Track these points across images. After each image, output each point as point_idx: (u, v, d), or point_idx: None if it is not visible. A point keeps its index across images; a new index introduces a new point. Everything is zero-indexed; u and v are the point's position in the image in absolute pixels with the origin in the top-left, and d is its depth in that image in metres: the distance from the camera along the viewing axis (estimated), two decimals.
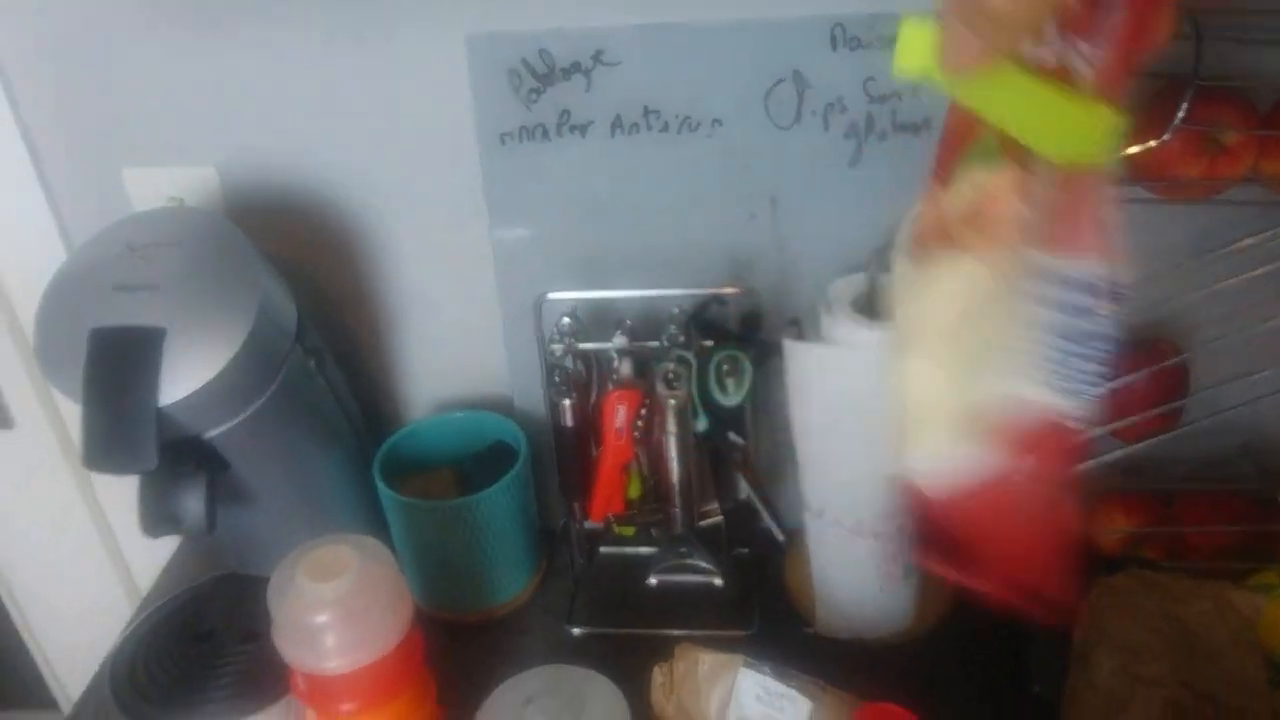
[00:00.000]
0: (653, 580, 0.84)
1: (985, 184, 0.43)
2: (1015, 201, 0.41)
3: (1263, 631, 0.72)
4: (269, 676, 0.73)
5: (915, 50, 0.41)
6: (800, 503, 0.80)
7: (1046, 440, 0.45)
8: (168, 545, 1.01)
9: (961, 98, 0.43)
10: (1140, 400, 0.76)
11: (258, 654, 0.74)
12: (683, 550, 0.83)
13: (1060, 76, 0.41)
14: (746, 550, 0.90)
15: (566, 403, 0.77)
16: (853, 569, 0.80)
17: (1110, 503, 0.84)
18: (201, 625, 0.83)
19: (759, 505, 0.79)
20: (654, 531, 0.85)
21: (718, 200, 0.82)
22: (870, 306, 0.75)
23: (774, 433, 0.88)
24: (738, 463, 0.78)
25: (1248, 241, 0.75)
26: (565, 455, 0.80)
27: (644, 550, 0.91)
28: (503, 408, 0.93)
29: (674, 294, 0.78)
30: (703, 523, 0.83)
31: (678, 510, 0.79)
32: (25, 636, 1.22)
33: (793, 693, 0.68)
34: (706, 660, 0.70)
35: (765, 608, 0.87)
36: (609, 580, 0.91)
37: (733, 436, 0.78)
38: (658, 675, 0.72)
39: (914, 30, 0.42)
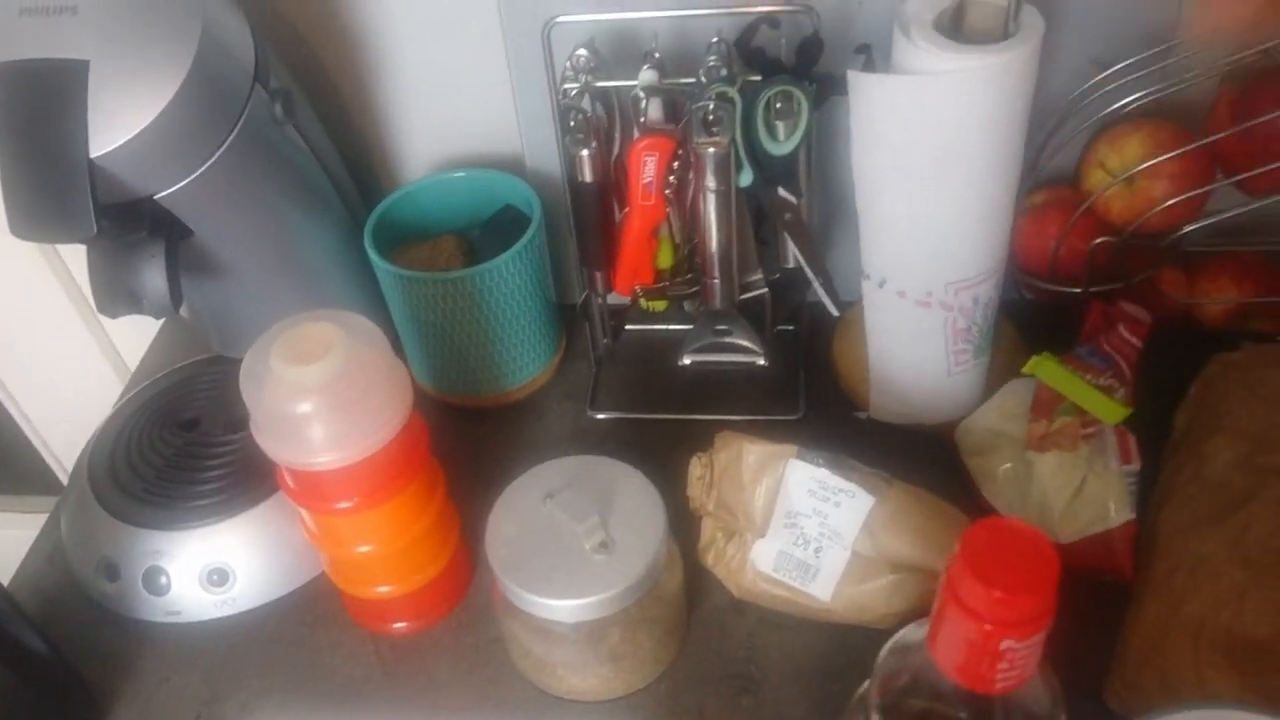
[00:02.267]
0: (686, 360, 0.75)
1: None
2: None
3: None
4: (258, 470, 0.66)
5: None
6: (857, 272, 0.69)
7: None
8: (151, 321, 0.92)
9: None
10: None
11: (245, 445, 0.66)
12: (721, 328, 0.73)
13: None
14: (791, 327, 0.80)
15: (584, 154, 0.64)
16: (917, 348, 0.70)
17: (1216, 268, 0.72)
18: (185, 412, 0.76)
19: (811, 275, 0.68)
20: (688, 306, 0.74)
21: None
22: (957, 27, 0.61)
23: (827, 189, 0.76)
24: (788, 224, 0.66)
25: None
26: (584, 217, 0.68)
27: (676, 328, 0.80)
28: (513, 166, 0.80)
29: (713, 14, 0.63)
30: (744, 296, 0.72)
31: (716, 281, 0.68)
32: (22, 425, 1.16)
33: (852, 486, 0.60)
34: (753, 450, 0.61)
35: (813, 391, 0.78)
36: (636, 361, 0.81)
37: (783, 192, 0.65)
38: (696, 467, 0.63)
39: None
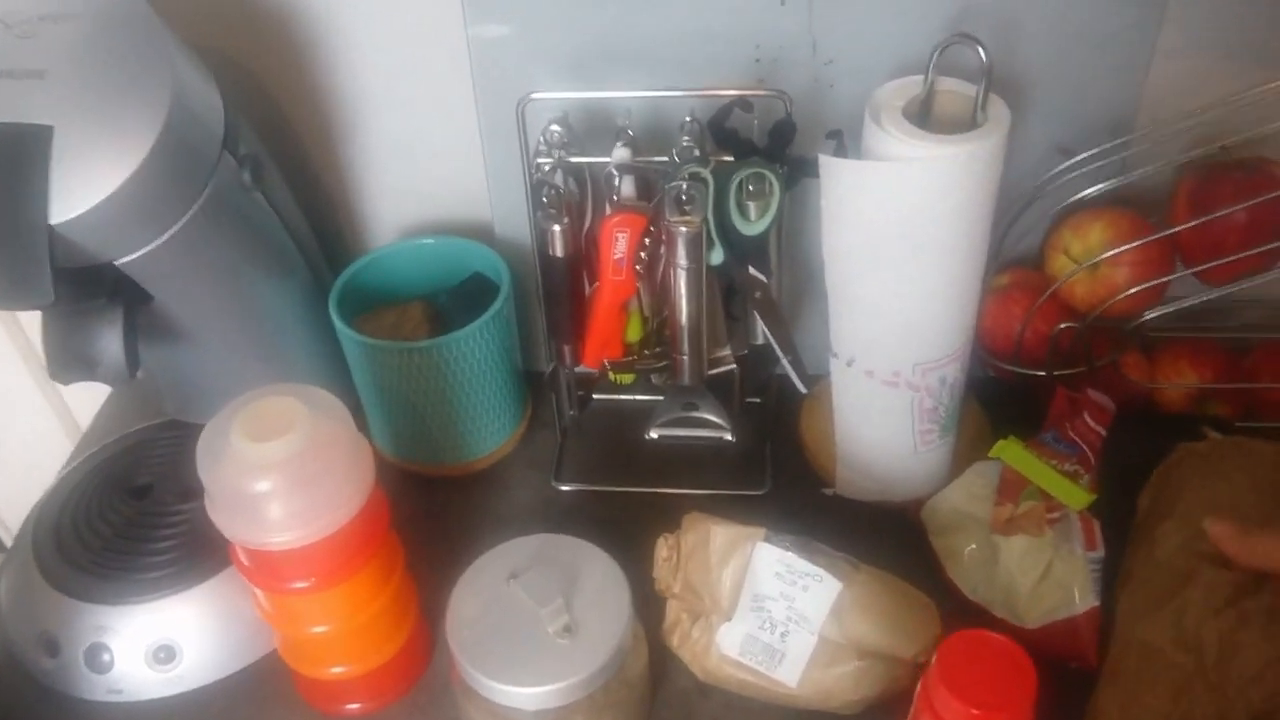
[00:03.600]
0: (654, 434, 0.74)
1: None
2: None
3: None
4: (211, 541, 0.63)
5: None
6: (826, 348, 0.69)
7: None
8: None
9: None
10: (1238, 235, 0.64)
11: (198, 515, 0.64)
12: (690, 402, 0.73)
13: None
14: (759, 400, 0.80)
15: (556, 228, 0.64)
16: (884, 426, 0.70)
17: (1176, 354, 0.74)
18: (137, 479, 0.73)
19: (780, 353, 0.68)
20: (656, 380, 0.74)
21: None
22: (926, 115, 0.62)
23: (798, 268, 0.76)
24: (758, 302, 0.66)
25: None
26: (554, 290, 0.67)
27: (644, 399, 0.80)
28: (483, 234, 0.80)
29: (687, 96, 0.64)
30: (713, 371, 0.71)
31: (685, 357, 0.68)
32: None
33: (820, 571, 0.59)
34: (721, 533, 0.60)
35: (778, 466, 0.78)
36: (603, 433, 0.81)
37: (753, 271, 0.65)
38: (662, 548, 0.62)
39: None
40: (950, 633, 0.60)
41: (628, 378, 0.74)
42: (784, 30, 0.68)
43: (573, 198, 0.66)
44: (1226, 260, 0.64)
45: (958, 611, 0.63)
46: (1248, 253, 0.63)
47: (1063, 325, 0.69)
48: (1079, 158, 0.69)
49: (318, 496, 0.54)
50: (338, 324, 0.72)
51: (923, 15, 0.67)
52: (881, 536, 0.69)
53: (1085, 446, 0.67)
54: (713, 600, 0.60)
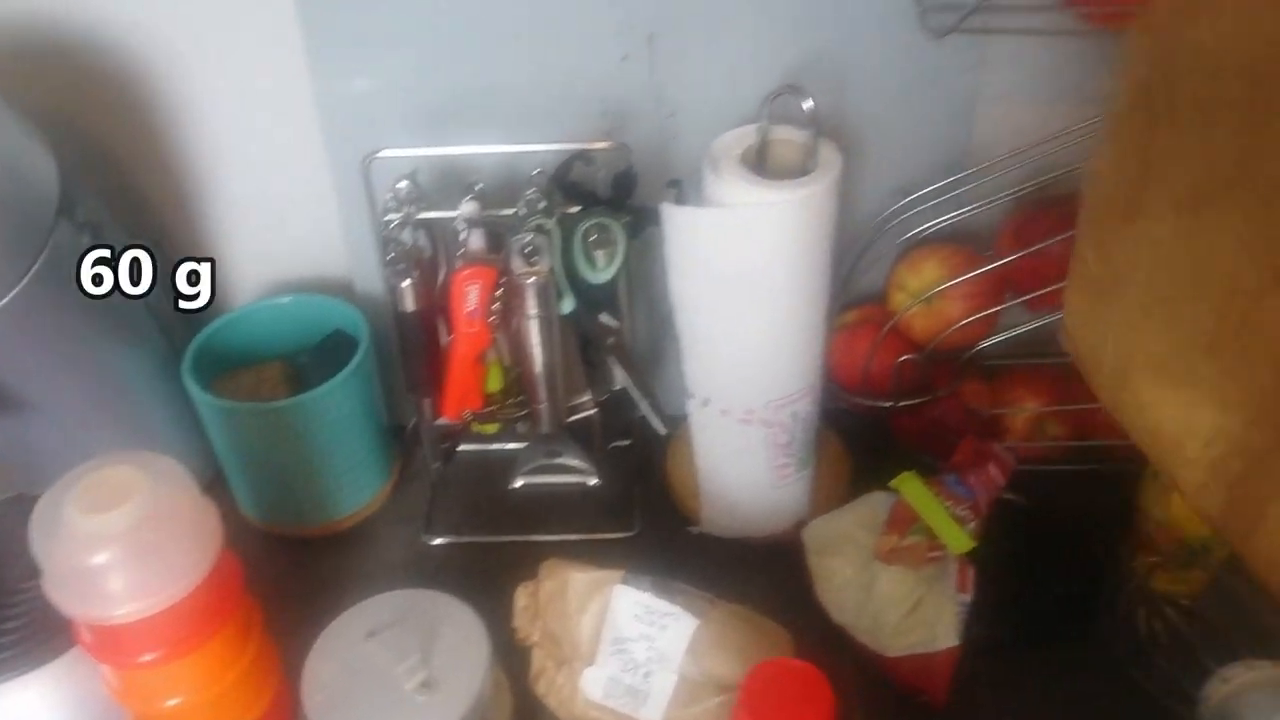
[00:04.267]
0: (519, 483, 0.75)
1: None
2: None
3: (1174, 510, 0.67)
4: (58, 621, 0.61)
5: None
6: (683, 390, 0.70)
7: None
8: None
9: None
10: (1058, 266, 0.68)
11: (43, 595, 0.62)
12: (551, 449, 0.74)
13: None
14: (628, 442, 0.81)
15: (406, 283, 0.65)
16: (742, 463, 0.72)
17: (1013, 380, 0.77)
18: None
19: (637, 396, 0.69)
20: (521, 428, 0.75)
21: (585, 38, 0.68)
22: (762, 162, 0.64)
23: (652, 313, 0.78)
24: (611, 348, 0.68)
25: None
26: (409, 345, 0.68)
27: (511, 448, 0.81)
28: (343, 290, 0.80)
29: (531, 151, 0.65)
30: (573, 417, 0.72)
31: (543, 405, 0.69)
32: None
33: (677, 610, 0.60)
34: (578, 579, 0.61)
35: (647, 506, 0.79)
36: (472, 484, 0.81)
37: (605, 318, 0.67)
38: (521, 596, 0.62)
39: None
40: (807, 658, 0.62)
41: (491, 427, 0.75)
42: (628, 85, 0.71)
43: (422, 253, 0.67)
44: (1050, 289, 0.68)
45: (822, 635, 0.64)
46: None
47: (904, 358, 0.72)
48: (914, 196, 0.73)
49: (160, 566, 0.53)
50: (191, 388, 0.71)
51: (760, 68, 0.70)
52: (751, 571, 0.71)
53: (982, 496, 0.69)
54: (573, 646, 0.61)
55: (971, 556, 0.66)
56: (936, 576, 0.65)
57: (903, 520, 0.67)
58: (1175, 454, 0.31)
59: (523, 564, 0.69)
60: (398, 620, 0.59)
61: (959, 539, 0.66)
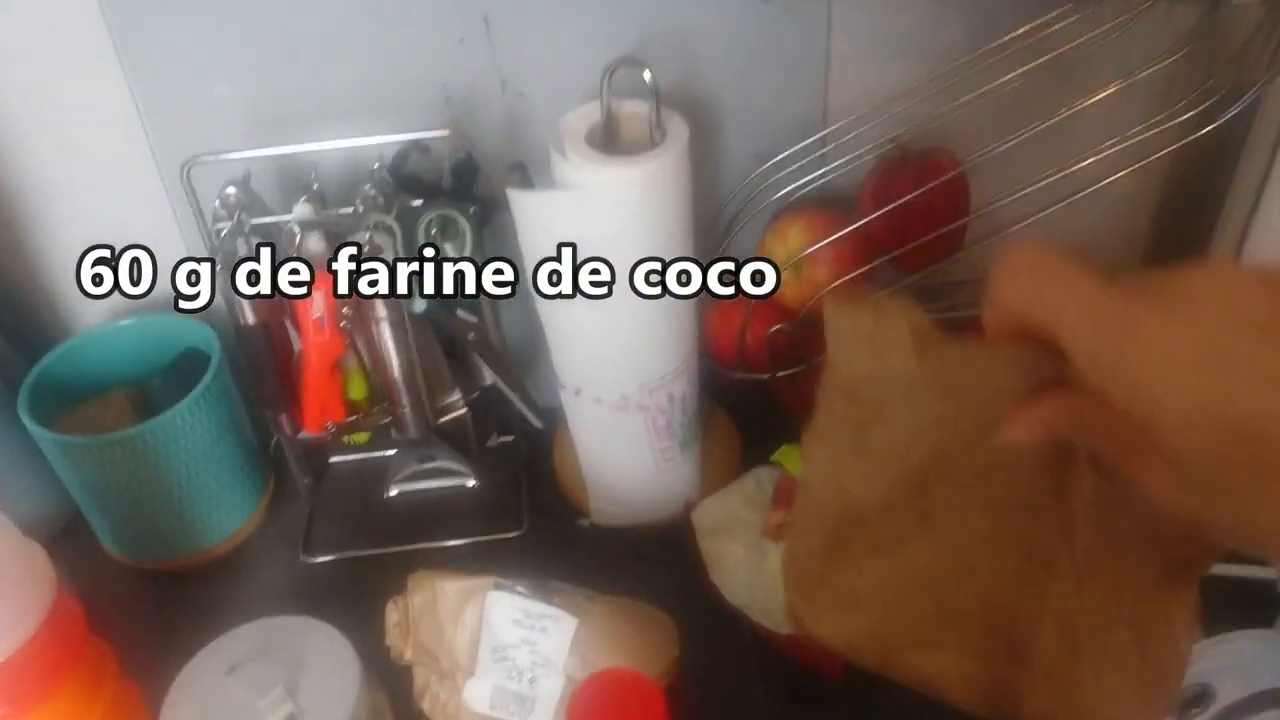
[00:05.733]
0: (393, 491, 0.72)
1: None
2: None
3: None
4: None
5: None
6: (555, 381, 0.68)
7: None
8: None
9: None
10: (919, 222, 0.67)
11: None
12: (424, 454, 0.71)
13: None
14: (510, 439, 0.79)
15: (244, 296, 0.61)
16: (623, 450, 0.69)
17: None
18: None
19: (507, 391, 0.67)
20: (395, 434, 0.71)
21: (418, 22, 0.65)
22: (612, 139, 0.62)
23: (522, 304, 0.75)
24: (473, 344, 0.65)
25: (1023, 30, 0.66)
26: (255, 360, 0.64)
27: (388, 455, 0.77)
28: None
29: (366, 145, 0.62)
30: (444, 419, 0.70)
31: (406, 410, 0.66)
32: None
33: (555, 610, 0.58)
34: (448, 589, 0.58)
35: (536, 503, 0.76)
36: (350, 496, 0.77)
37: (462, 314, 0.64)
38: (391, 614, 0.59)
39: None
40: (697, 645, 0.61)
41: (361, 437, 0.72)
42: (470, 68, 0.68)
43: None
44: (913, 246, 0.67)
45: (718, 619, 0.63)
46: (929, 237, 0.66)
47: (776, 327, 0.70)
48: (774, 162, 0.71)
49: None
50: (29, 424, 0.67)
51: (605, 43, 0.67)
52: (645, 560, 0.70)
53: None
54: (451, 659, 0.58)
55: None
56: None
57: (788, 494, 0.66)
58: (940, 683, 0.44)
59: (411, 574, 0.66)
60: (260, 652, 0.56)
61: None
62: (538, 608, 0.58)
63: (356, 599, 0.62)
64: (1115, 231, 0.83)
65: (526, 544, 0.74)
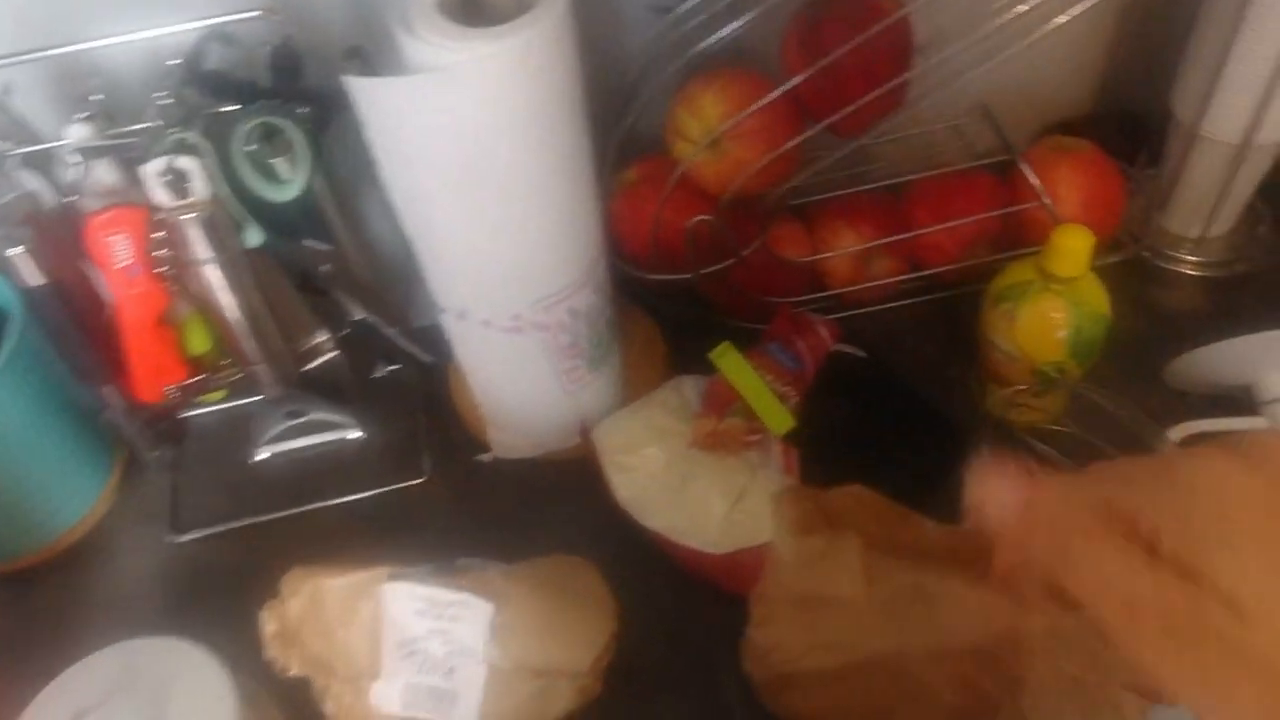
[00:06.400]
0: (262, 455, 0.61)
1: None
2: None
3: (1020, 339, 0.58)
4: None
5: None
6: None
7: None
8: None
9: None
10: (858, 77, 0.56)
11: None
12: (291, 410, 0.59)
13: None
14: (399, 366, 0.67)
15: (15, 251, 0.47)
16: (522, 376, 0.59)
17: (830, 217, 0.66)
18: None
19: (380, 324, 0.55)
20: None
21: None
22: (474, 8, 0.49)
23: (380, 216, 0.63)
24: (329, 277, 0.53)
25: None
26: (55, 328, 0.51)
27: (257, 401, 0.65)
28: None
29: (146, 38, 0.48)
30: (311, 365, 0.58)
31: (258, 364, 0.54)
32: None
33: (464, 595, 0.48)
34: (332, 588, 0.48)
35: (438, 444, 0.66)
36: (220, 457, 0.66)
37: (311, 243, 0.52)
38: (268, 622, 0.49)
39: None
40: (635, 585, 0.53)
41: (218, 395, 0.60)
42: None
43: (40, 201, 0.49)
44: (854, 108, 0.56)
45: (634, 548, 0.56)
46: (873, 94, 0.55)
47: (698, 217, 0.59)
48: (676, 13, 0.58)
49: None
50: None
51: None
52: (559, 493, 0.61)
53: (808, 362, 0.60)
54: (348, 664, 0.49)
55: (794, 438, 0.57)
56: (759, 462, 0.56)
57: (721, 399, 0.57)
58: None
59: (299, 543, 0.57)
60: (115, 688, 0.46)
61: (779, 418, 0.56)
62: (444, 594, 0.48)
63: (240, 581, 0.52)
64: (1068, 71, 0.74)
65: (431, 491, 0.65)
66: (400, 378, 0.68)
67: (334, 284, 0.53)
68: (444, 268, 0.54)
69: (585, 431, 0.60)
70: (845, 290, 0.66)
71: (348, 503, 0.63)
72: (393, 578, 0.48)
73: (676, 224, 0.60)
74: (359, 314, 0.57)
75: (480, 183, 0.49)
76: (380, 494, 0.64)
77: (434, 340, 0.60)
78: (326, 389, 0.59)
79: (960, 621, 0.44)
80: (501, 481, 0.64)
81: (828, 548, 0.47)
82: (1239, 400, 0.61)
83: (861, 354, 0.63)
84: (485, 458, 0.64)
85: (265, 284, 0.52)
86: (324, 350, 0.58)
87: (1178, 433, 0.62)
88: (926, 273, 0.67)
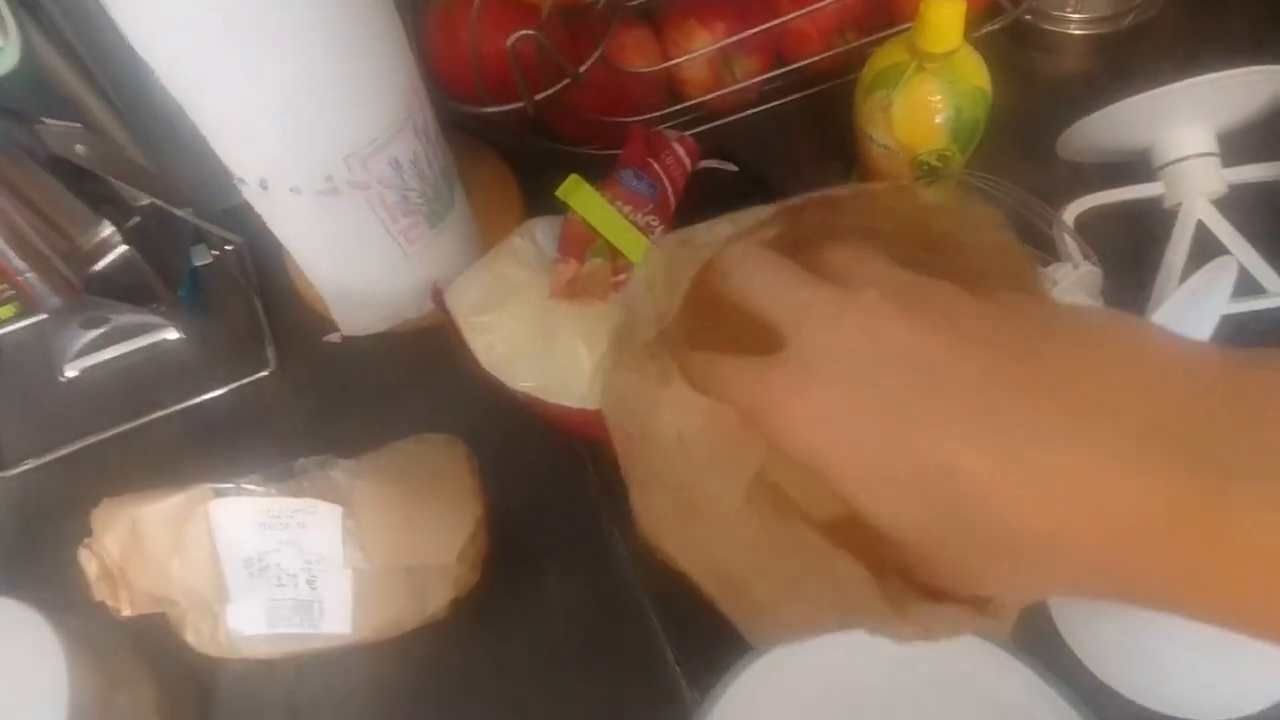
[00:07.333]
0: (70, 374, 0.53)
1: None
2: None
3: (898, 129, 0.53)
4: None
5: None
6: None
7: None
8: None
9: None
10: None
11: None
12: (89, 318, 0.52)
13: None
14: (230, 248, 0.60)
15: None
16: (350, 245, 0.52)
17: (681, 17, 0.58)
18: None
19: (170, 208, 0.47)
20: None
21: None
22: None
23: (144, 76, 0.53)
24: (90, 160, 0.44)
25: None
26: None
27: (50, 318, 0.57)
28: None
29: None
30: (101, 264, 0.50)
31: (29, 275, 0.46)
32: None
33: (307, 501, 0.43)
34: (150, 515, 0.42)
35: (282, 332, 0.59)
36: (28, 379, 0.58)
37: (52, 122, 0.43)
38: (87, 563, 0.43)
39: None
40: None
41: (7, 311, 0.52)
42: None
43: None
44: None
45: (506, 414, 0.51)
46: None
47: (520, 33, 0.51)
48: None
49: None
50: None
51: None
52: (422, 365, 0.56)
53: (668, 186, 0.53)
54: (190, 595, 0.44)
55: None
56: None
57: (578, 241, 0.51)
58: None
59: (139, 462, 0.52)
60: None
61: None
62: (284, 504, 0.43)
63: (71, 516, 0.46)
64: None
65: (282, 384, 0.58)
66: (226, 263, 0.60)
67: (99, 168, 0.45)
68: (227, 131, 0.46)
69: (438, 294, 0.54)
70: (706, 98, 0.59)
71: (188, 410, 0.57)
72: (220, 494, 0.43)
73: (498, 45, 0.52)
74: (145, 200, 0.49)
75: (244, 18, 0.41)
76: (224, 394, 0.57)
77: (244, 217, 0.52)
78: (125, 289, 0.51)
79: None
80: (358, 363, 0.58)
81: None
82: (1136, 167, 0.57)
83: (732, 167, 0.57)
84: (334, 338, 0.57)
85: (13, 179, 0.44)
86: (112, 245, 0.50)
87: (1072, 210, 0.58)
88: (793, 67, 0.60)
